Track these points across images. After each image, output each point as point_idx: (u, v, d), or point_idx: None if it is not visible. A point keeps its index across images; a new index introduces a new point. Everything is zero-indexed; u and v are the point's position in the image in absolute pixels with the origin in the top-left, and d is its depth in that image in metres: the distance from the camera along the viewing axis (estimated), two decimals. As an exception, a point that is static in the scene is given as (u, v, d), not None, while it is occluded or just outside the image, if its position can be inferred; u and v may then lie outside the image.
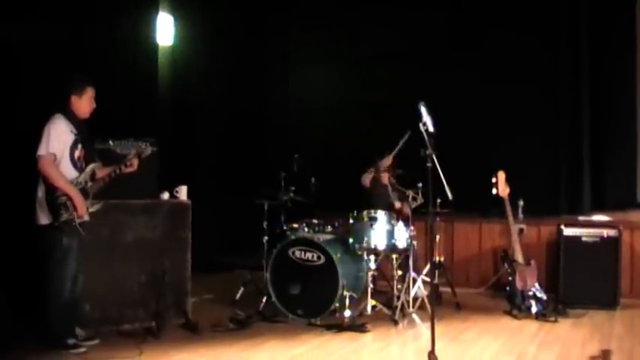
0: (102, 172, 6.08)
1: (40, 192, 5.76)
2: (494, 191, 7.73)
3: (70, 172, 5.86)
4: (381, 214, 7.43)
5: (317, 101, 10.95)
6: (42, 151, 5.69)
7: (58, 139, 5.76)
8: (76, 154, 5.91)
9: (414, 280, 7.65)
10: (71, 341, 5.82)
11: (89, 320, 6.29)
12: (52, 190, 5.72)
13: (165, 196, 7.08)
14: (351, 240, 7.41)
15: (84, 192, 5.88)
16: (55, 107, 5.92)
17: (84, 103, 5.99)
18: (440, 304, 7.89)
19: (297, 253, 7.24)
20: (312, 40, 11.14)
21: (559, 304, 7.63)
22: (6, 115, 6.91)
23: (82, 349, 5.81)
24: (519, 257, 7.60)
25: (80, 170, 5.93)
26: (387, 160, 8.13)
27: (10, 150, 6.38)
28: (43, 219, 5.76)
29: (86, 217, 5.96)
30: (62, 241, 5.77)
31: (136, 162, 6.13)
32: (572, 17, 9.44)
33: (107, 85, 7.60)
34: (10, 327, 5.95)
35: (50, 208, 5.72)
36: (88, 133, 6.10)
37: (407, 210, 7.76)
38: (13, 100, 7.05)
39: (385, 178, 8.10)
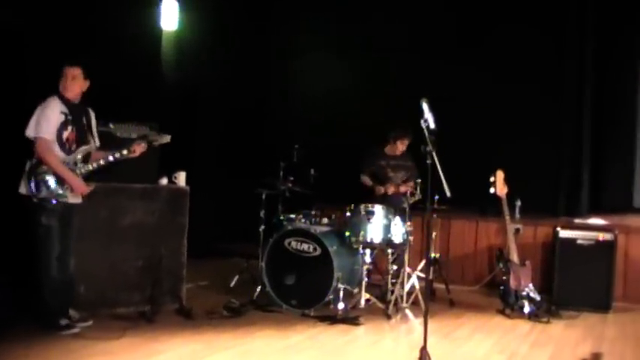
0: (98, 155, 6.06)
1: (28, 165, 5.78)
2: (492, 190, 7.75)
3: (57, 152, 5.84)
4: (378, 209, 7.44)
5: (319, 92, 10.91)
6: (32, 133, 5.73)
7: (49, 120, 5.76)
8: (65, 135, 5.88)
9: (409, 276, 7.67)
10: (64, 322, 5.83)
11: (84, 302, 6.29)
12: (34, 166, 5.74)
13: (164, 181, 7.08)
14: (347, 233, 7.42)
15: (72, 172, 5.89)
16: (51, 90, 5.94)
17: (65, 83, 5.90)
18: (434, 301, 7.90)
19: (294, 244, 7.25)
20: (316, 30, 11.10)
21: (552, 305, 7.67)
22: (13, 97, 6.91)
23: (75, 330, 5.82)
24: (514, 257, 7.63)
25: (68, 152, 5.90)
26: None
27: (17, 134, 6.37)
28: (22, 188, 5.78)
29: (75, 200, 5.96)
30: (41, 219, 5.77)
31: (140, 149, 6.08)
32: (580, 20, 9.44)
33: (111, 68, 7.60)
34: (4, 307, 5.95)
35: (30, 184, 5.73)
36: (84, 115, 6.07)
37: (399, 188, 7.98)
38: (20, 83, 7.05)
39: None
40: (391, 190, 8.12)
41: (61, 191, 5.79)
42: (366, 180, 8.32)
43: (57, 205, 5.80)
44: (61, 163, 5.78)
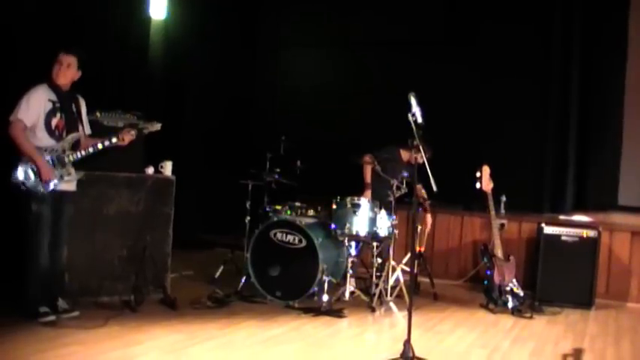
0: (88, 142, 6.03)
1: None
2: (478, 185, 7.77)
3: (46, 139, 5.84)
4: (364, 202, 7.45)
5: (306, 85, 10.95)
6: (12, 116, 5.72)
7: (29, 106, 5.74)
8: (53, 122, 5.87)
9: (394, 269, 7.68)
10: (43, 309, 5.77)
11: (68, 290, 6.24)
12: (22, 153, 5.72)
13: (150, 170, 7.06)
14: (333, 225, 7.43)
15: (60, 160, 5.84)
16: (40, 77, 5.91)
17: (58, 70, 5.89)
18: (418, 294, 7.93)
19: (279, 235, 7.25)
20: (304, 23, 11.11)
21: (535, 300, 7.71)
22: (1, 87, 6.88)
23: (51, 318, 5.75)
24: (499, 252, 7.65)
25: (58, 138, 5.89)
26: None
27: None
28: (13, 177, 5.75)
29: (68, 188, 5.95)
30: (31, 206, 5.74)
31: (129, 137, 6.05)
32: (566, 19, 9.49)
33: (98, 56, 7.58)
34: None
35: (19, 170, 5.71)
36: (74, 103, 6.05)
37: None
38: (8, 72, 7.02)
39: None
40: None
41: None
42: (368, 170, 8.07)
43: (47, 193, 5.77)
44: (31, 145, 5.74)
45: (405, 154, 8.22)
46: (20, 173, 5.70)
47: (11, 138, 5.71)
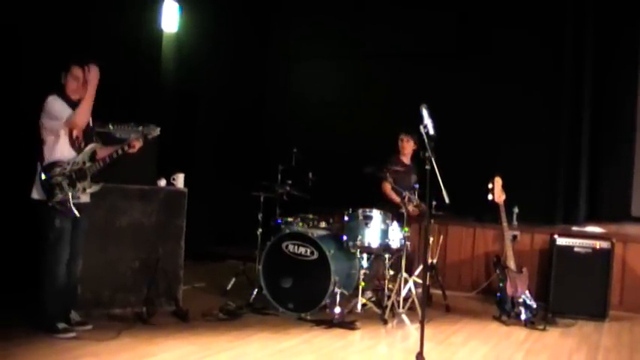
0: (103, 153, 6.04)
1: (39, 169, 5.76)
2: (490, 197, 7.75)
3: (67, 151, 5.84)
4: (376, 213, 7.44)
5: (318, 97, 10.98)
6: (54, 126, 5.74)
7: (60, 108, 5.76)
8: (74, 133, 5.87)
9: (406, 281, 7.66)
10: (61, 325, 5.77)
11: (80, 302, 6.25)
12: (46, 169, 5.72)
13: (162, 182, 7.08)
14: (345, 237, 7.42)
15: (82, 172, 5.86)
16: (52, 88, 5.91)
17: (68, 82, 5.89)
18: (430, 306, 7.90)
19: (291, 247, 7.25)
20: (315, 36, 11.16)
21: (548, 312, 7.67)
22: (9, 94, 6.91)
23: (72, 334, 5.75)
24: (511, 264, 7.62)
25: (78, 150, 5.90)
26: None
27: (14, 130, 6.39)
28: (35, 193, 5.77)
29: (85, 199, 5.96)
30: (55, 222, 5.74)
31: (138, 144, 6.07)
32: (578, 27, 9.48)
33: (110, 69, 7.63)
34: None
35: (44, 188, 5.72)
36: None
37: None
38: (17, 80, 7.06)
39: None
40: (412, 209, 7.82)
41: (73, 192, 5.78)
42: (393, 195, 8.12)
43: (72, 206, 5.78)
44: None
45: (399, 157, 8.30)
46: (47, 189, 5.71)
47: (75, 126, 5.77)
